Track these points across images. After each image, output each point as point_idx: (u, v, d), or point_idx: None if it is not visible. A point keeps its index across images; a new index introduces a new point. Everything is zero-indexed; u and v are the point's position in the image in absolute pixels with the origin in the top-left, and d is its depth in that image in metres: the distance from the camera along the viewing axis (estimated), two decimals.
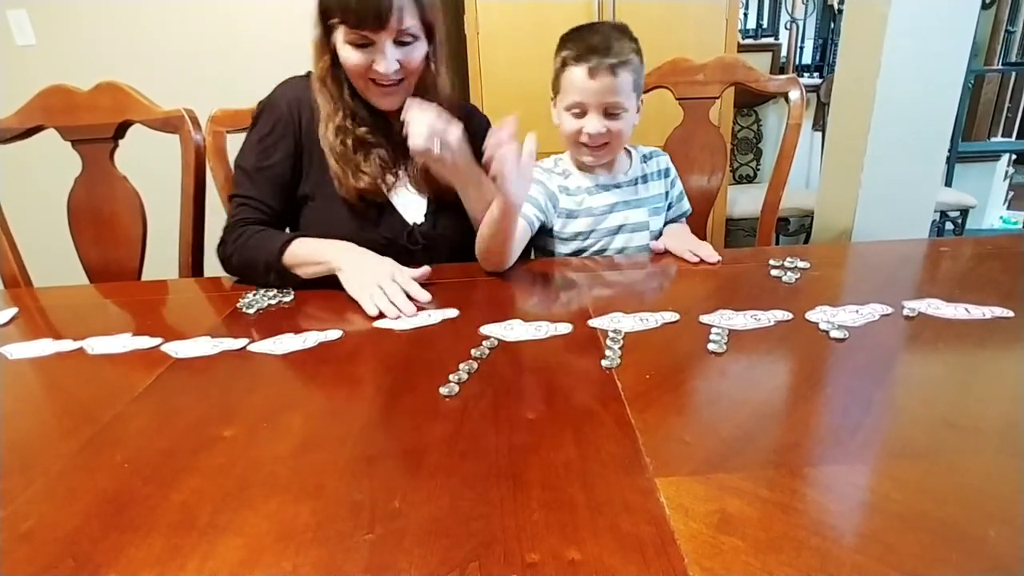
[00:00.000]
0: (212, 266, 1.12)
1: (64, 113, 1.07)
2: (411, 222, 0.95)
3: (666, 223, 1.08)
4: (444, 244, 0.97)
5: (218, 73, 2.05)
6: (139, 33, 2.04)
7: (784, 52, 3.24)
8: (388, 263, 0.82)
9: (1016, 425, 0.45)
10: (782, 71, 3.17)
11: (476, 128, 0.93)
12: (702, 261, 0.89)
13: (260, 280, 0.87)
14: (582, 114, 0.93)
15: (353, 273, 0.81)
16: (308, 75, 0.94)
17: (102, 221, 1.12)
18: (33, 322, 0.81)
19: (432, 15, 0.88)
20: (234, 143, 1.09)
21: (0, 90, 1.69)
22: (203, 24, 2.03)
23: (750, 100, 3.00)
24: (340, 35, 0.85)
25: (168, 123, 1.07)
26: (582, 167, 1.02)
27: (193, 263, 1.11)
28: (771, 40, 3.24)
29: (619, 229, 1.01)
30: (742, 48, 2.95)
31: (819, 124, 3.05)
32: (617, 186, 1.02)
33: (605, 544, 0.35)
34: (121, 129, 1.09)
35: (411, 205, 0.96)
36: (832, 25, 3.17)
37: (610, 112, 0.92)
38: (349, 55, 0.85)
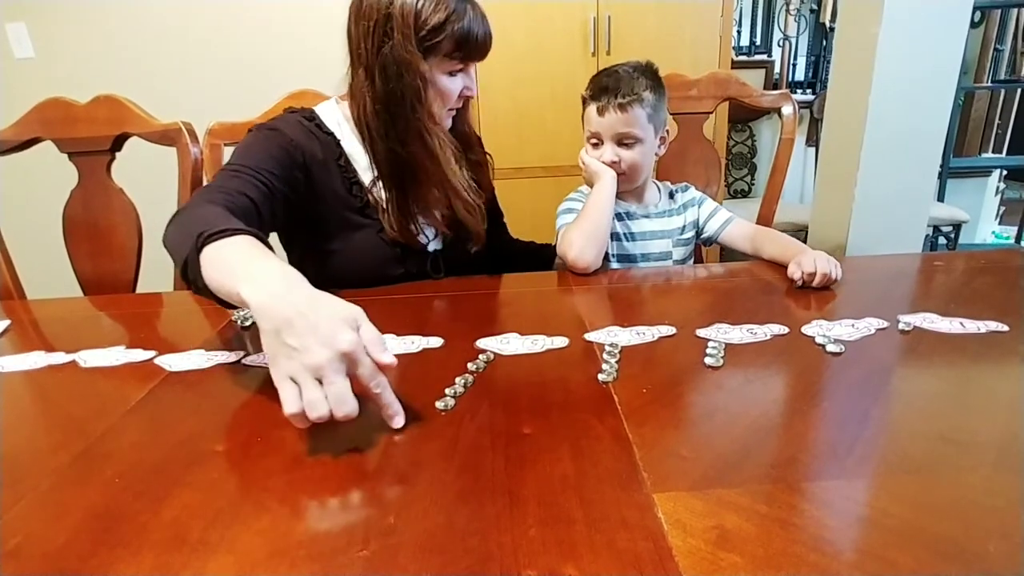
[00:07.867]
0: None
1: (61, 125, 1.08)
2: (431, 249, 0.96)
3: (710, 240, 1.09)
4: (464, 268, 0.97)
5: (216, 86, 2.07)
6: (137, 47, 2.05)
7: (777, 69, 3.28)
8: (343, 327, 0.47)
9: (1013, 439, 0.45)
10: (775, 87, 3.21)
11: None
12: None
13: (180, 272, 0.60)
14: (599, 144, 1.00)
15: (279, 331, 0.46)
16: (295, 111, 0.90)
17: (98, 233, 1.12)
18: (25, 334, 0.80)
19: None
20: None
21: None
22: (202, 38, 2.05)
23: (744, 116, 3.03)
24: (436, 66, 0.84)
25: (165, 136, 1.08)
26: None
27: None
28: (764, 57, 3.28)
29: (644, 257, 1.06)
30: (735, 65, 2.99)
31: (812, 140, 3.08)
32: (647, 216, 1.07)
33: (602, 560, 0.35)
34: (118, 141, 1.09)
35: (425, 230, 0.95)
36: (824, 43, 3.22)
37: (623, 142, 0.99)
38: (451, 83, 0.87)
